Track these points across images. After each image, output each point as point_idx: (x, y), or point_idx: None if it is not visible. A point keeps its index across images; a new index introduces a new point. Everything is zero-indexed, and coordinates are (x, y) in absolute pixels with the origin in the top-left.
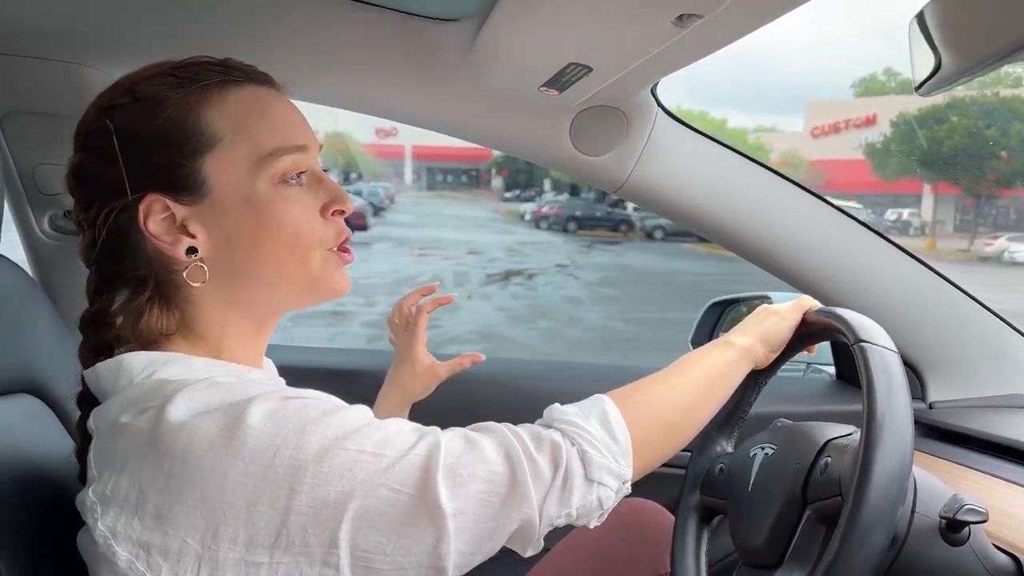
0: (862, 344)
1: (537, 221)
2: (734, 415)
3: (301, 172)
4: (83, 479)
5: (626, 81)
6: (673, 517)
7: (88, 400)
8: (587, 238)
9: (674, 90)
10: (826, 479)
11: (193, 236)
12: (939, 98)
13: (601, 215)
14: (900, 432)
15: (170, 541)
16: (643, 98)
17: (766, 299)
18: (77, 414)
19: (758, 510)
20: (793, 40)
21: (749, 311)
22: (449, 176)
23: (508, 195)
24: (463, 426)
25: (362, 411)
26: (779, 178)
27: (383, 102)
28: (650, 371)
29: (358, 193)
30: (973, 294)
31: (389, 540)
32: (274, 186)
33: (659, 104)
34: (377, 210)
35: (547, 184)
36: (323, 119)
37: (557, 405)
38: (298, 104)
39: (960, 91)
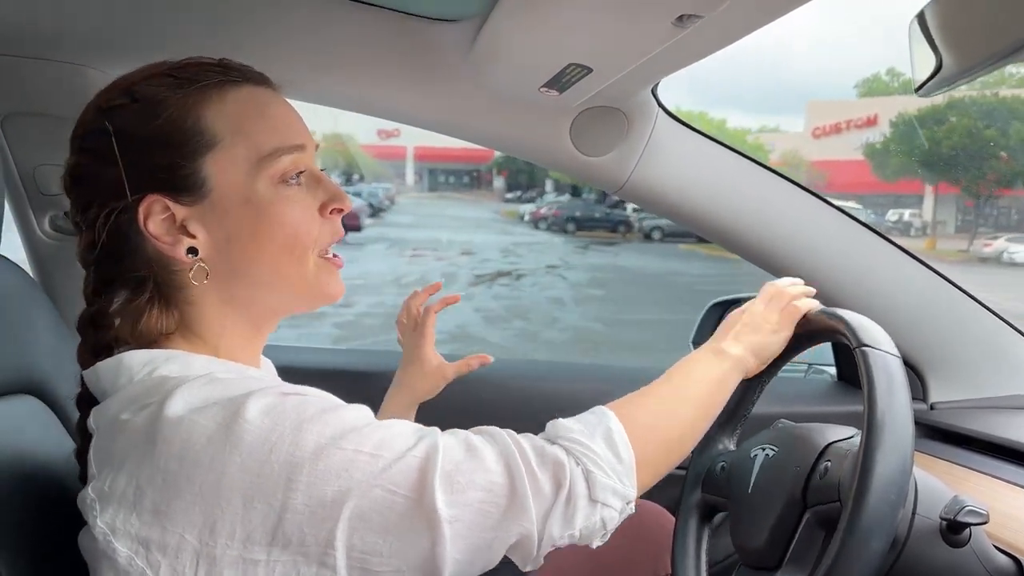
0: (864, 349)
1: (536, 222)
2: (736, 413)
3: (300, 172)
4: (83, 479)
5: (626, 81)
6: (674, 518)
7: (87, 401)
8: (585, 239)
9: (675, 90)
10: (826, 483)
11: (193, 236)
12: (938, 98)
13: (600, 216)
14: (900, 439)
15: (168, 537)
16: (643, 98)
17: None
18: (77, 414)
19: (758, 511)
20: (796, 41)
21: None
22: (451, 177)
23: (509, 196)
24: (467, 426)
25: (361, 411)
26: (780, 178)
27: (383, 102)
28: (656, 372)
29: (357, 194)
30: (974, 294)
31: (385, 542)
32: (274, 186)
33: (659, 104)
34: (376, 211)
35: (549, 185)
36: (323, 120)
37: (561, 420)
38: (296, 104)
39: (959, 91)
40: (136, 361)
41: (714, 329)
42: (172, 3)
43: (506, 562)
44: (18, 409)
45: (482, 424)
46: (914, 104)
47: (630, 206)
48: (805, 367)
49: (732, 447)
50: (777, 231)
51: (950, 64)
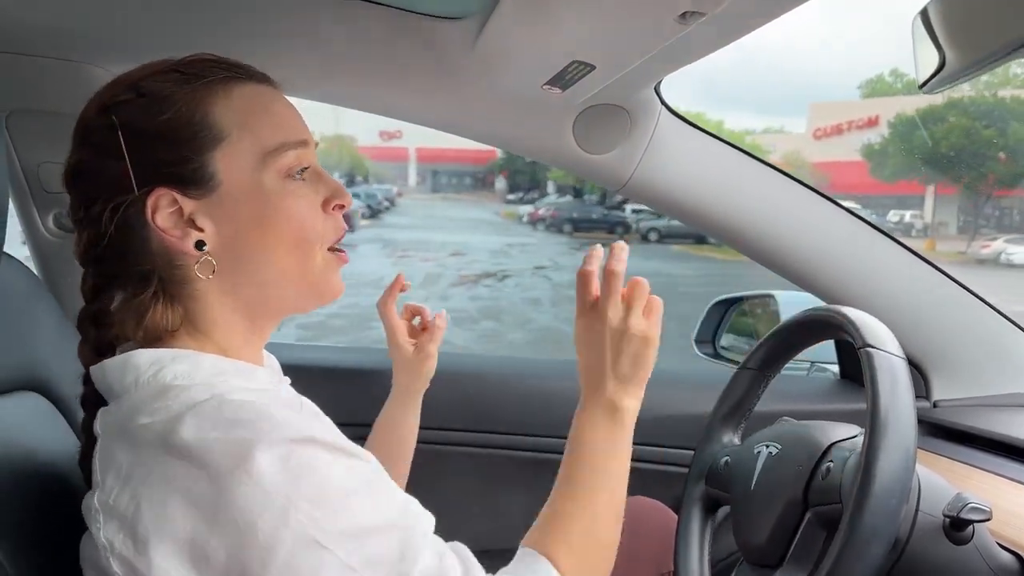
0: (869, 350)
1: (534, 223)
2: (741, 408)
3: (304, 168)
4: (89, 482)
5: (629, 79)
6: (676, 517)
7: (93, 400)
8: (583, 240)
9: (675, 90)
10: (827, 484)
11: (201, 230)
12: (937, 98)
13: (597, 217)
14: (902, 444)
15: (153, 572)
16: (646, 96)
17: (770, 298)
18: (82, 412)
19: (760, 509)
20: (800, 42)
21: (752, 310)
22: (454, 178)
23: (511, 197)
24: (473, 421)
25: (376, 499)
26: (783, 176)
27: (385, 100)
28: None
29: (356, 195)
30: (978, 293)
31: None
32: (280, 180)
33: (662, 102)
34: (374, 212)
35: (551, 186)
36: (324, 121)
37: None
38: (297, 103)
39: (958, 91)
40: (143, 360)
41: (716, 328)
42: (175, 3)
43: (504, 551)
44: (23, 406)
45: (484, 424)
46: (913, 104)
47: (628, 207)
48: (808, 365)
49: (737, 441)
50: (780, 229)
51: (953, 61)
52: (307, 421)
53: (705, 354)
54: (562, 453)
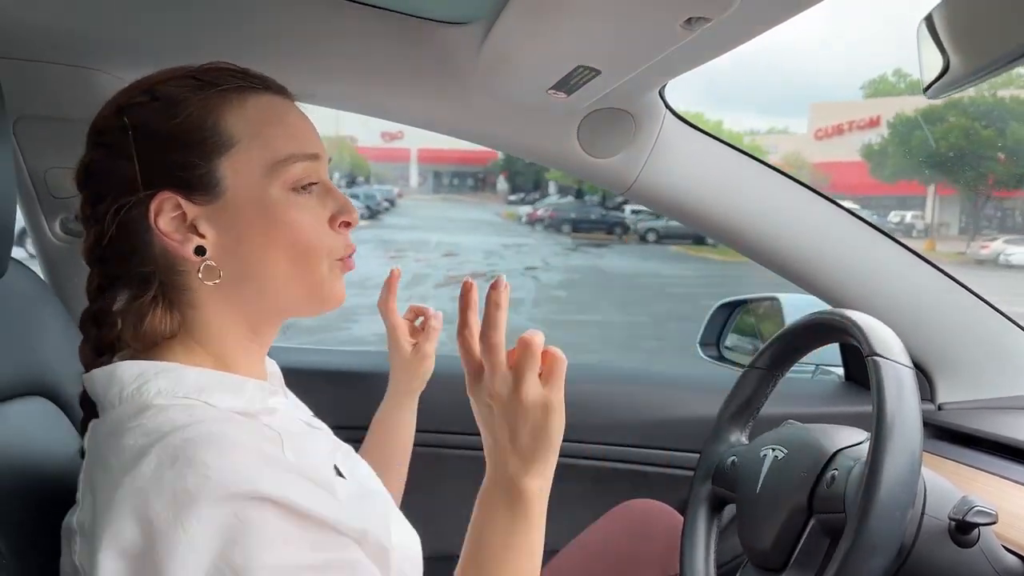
0: (876, 358)
1: (532, 224)
2: (749, 407)
3: (313, 183)
4: None
5: (634, 84)
6: (681, 519)
7: (90, 401)
8: (581, 240)
9: (678, 90)
10: (832, 493)
11: (203, 236)
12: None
13: (596, 218)
14: (907, 455)
15: None
16: (651, 100)
17: (774, 300)
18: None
19: (765, 513)
20: (803, 42)
21: (756, 312)
22: (456, 179)
23: (513, 198)
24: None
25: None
26: (787, 179)
27: (390, 105)
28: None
29: (355, 196)
30: (982, 295)
31: None
32: (286, 192)
33: (667, 106)
34: (373, 213)
35: (552, 187)
36: (325, 122)
37: None
38: (301, 107)
39: (959, 92)
40: (128, 374)
41: (720, 331)
42: (184, 8)
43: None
44: (30, 411)
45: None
46: (913, 105)
47: (628, 208)
48: (812, 367)
49: (745, 440)
50: (784, 232)
51: (958, 66)
52: (269, 470)
53: (709, 357)
54: (561, 454)
